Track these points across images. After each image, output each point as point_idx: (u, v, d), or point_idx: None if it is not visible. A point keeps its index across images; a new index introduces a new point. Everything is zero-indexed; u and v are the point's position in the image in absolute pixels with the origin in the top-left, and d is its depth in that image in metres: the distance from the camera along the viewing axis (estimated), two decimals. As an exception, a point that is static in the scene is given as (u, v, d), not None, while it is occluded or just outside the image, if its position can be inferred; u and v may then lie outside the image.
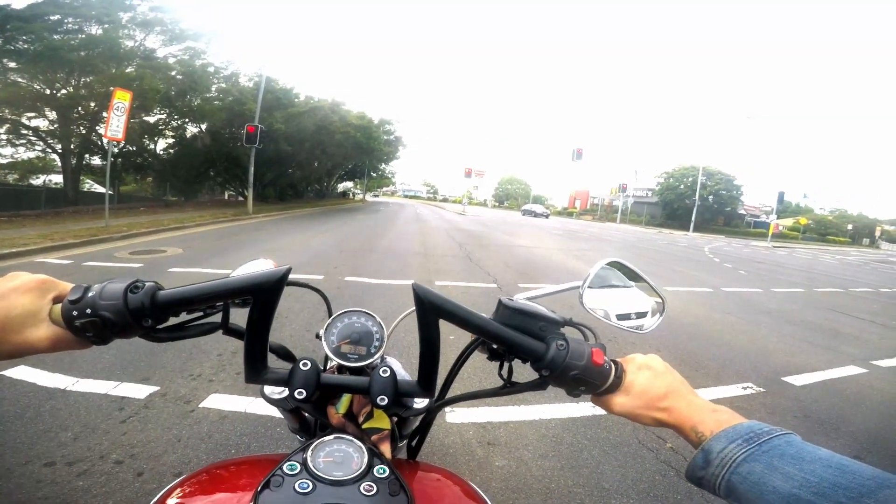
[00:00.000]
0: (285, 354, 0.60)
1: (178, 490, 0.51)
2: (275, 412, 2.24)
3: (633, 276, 0.72)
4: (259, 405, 2.32)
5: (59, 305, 0.44)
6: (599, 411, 2.48)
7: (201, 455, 1.93)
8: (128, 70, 15.60)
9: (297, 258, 7.17)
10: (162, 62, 17.19)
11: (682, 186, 42.08)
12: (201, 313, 0.51)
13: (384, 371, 0.51)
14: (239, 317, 0.51)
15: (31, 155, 17.63)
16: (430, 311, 0.47)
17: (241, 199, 24.88)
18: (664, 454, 2.20)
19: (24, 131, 16.43)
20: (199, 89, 18.42)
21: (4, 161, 17.14)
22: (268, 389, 0.57)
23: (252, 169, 17.20)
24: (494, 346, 0.56)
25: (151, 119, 19.13)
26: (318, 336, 0.61)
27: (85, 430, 2.05)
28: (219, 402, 2.37)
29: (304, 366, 0.51)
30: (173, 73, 17.27)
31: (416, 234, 12.80)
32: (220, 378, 2.65)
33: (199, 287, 0.47)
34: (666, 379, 0.50)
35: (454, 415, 2.40)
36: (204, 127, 20.54)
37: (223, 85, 19.96)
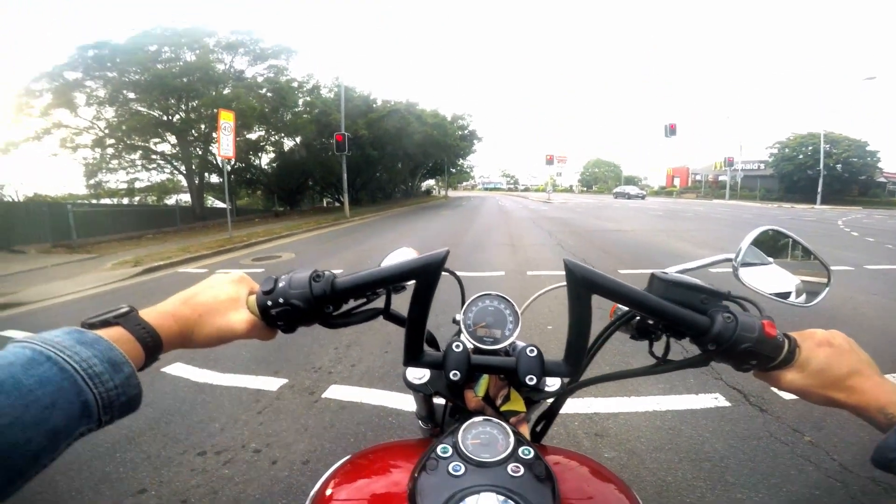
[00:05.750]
0: (430, 340, 0.62)
1: (338, 476, 0.54)
2: (386, 403, 2.40)
3: (794, 245, 0.65)
4: (372, 396, 2.49)
5: (254, 297, 0.50)
6: (722, 402, 2.34)
7: (325, 444, 2.06)
8: (224, 92, 17.46)
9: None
10: (252, 81, 19.08)
11: (801, 156, 36.72)
12: (364, 300, 0.55)
13: (531, 351, 0.51)
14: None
15: (163, 177, 20.53)
16: (583, 286, 0.46)
17: (337, 204, 26.72)
18: (801, 448, 1.96)
19: (154, 156, 19.18)
20: (288, 104, 20.10)
21: (142, 185, 20.18)
22: (410, 374, 0.59)
23: (345, 176, 18.31)
24: (649, 322, 0.54)
25: (253, 136, 21.24)
26: (454, 320, 0.61)
27: (230, 421, 2.30)
28: (338, 392, 2.56)
29: (457, 348, 0.52)
30: (263, 90, 19.03)
31: (501, 226, 12.66)
32: (338, 370, 2.86)
33: (370, 272, 0.51)
34: (850, 358, 0.46)
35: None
36: (298, 140, 22.29)
37: (308, 98, 21.54)
